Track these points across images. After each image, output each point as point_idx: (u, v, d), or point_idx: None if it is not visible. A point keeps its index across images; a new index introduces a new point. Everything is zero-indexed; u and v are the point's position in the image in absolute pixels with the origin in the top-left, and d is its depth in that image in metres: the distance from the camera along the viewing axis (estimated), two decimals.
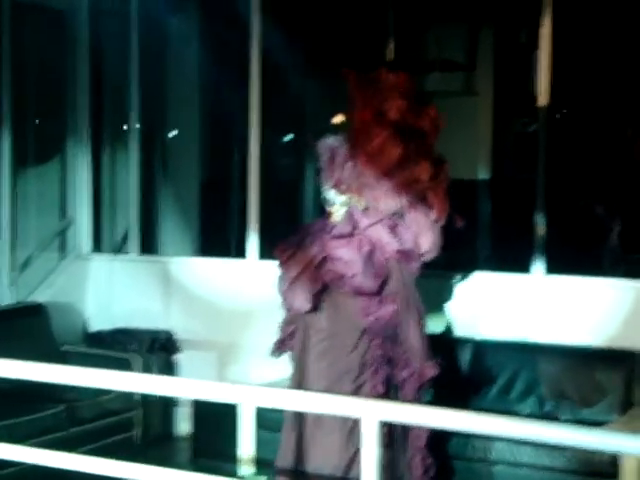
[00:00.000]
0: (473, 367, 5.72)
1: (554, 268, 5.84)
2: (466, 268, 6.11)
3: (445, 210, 4.72)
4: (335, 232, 4.64)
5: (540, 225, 5.89)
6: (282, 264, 4.77)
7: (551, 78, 5.87)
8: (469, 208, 8.06)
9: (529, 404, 5.50)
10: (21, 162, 7.16)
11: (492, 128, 8.21)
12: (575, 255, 6.28)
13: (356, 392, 4.49)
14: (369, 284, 4.48)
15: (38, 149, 7.46)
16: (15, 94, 6.88)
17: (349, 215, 4.63)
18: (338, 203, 4.69)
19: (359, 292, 4.52)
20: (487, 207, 8.17)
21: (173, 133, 8.08)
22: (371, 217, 4.60)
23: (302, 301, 4.61)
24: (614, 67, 7.17)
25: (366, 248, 4.53)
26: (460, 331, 5.88)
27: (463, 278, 6.00)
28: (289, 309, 4.74)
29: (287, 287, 4.69)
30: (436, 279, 5.99)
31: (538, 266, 5.85)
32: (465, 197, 8.12)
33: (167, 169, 7.97)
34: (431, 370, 4.60)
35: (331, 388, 4.47)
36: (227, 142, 7.98)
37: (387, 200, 4.62)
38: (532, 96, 6.12)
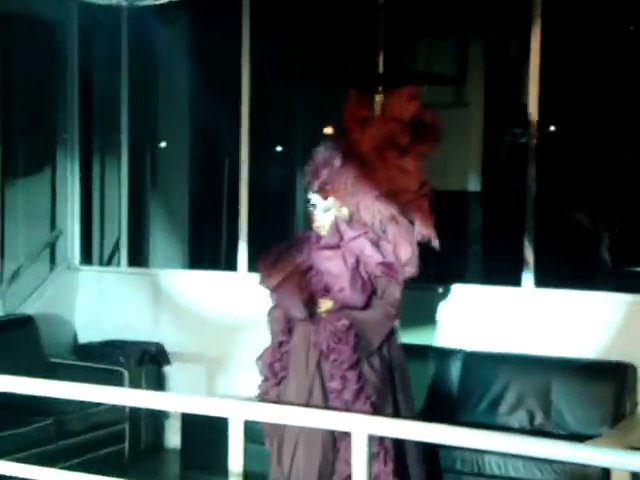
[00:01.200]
0: (463, 379, 5.72)
1: (544, 281, 5.85)
2: (456, 280, 6.12)
3: (430, 224, 4.69)
4: (322, 243, 4.62)
5: (530, 237, 5.89)
6: (262, 272, 4.75)
7: (541, 89, 5.88)
8: (459, 219, 8.08)
9: (519, 417, 5.50)
10: (10, 174, 7.15)
11: (483, 140, 8.24)
12: (565, 268, 6.29)
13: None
14: (356, 298, 4.47)
15: (27, 161, 7.45)
16: (4, 105, 6.87)
17: (335, 226, 4.61)
18: (321, 208, 4.67)
19: (345, 306, 4.50)
20: (477, 218, 8.19)
21: (163, 145, 8.08)
22: (355, 229, 4.59)
23: (297, 311, 4.60)
24: (603, 78, 7.20)
25: (352, 260, 4.52)
26: (450, 343, 5.87)
27: (453, 290, 6.00)
28: (287, 315, 4.70)
29: (273, 293, 4.68)
30: (426, 291, 6.00)
31: (528, 279, 5.86)
32: (455, 208, 8.16)
33: (157, 181, 7.97)
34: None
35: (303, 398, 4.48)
36: (217, 154, 7.99)
37: (370, 208, 4.61)
38: (523, 107, 6.14)
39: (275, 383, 4.70)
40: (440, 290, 6.00)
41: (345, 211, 4.65)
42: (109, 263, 7.58)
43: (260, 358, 4.79)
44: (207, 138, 7.93)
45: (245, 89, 6.69)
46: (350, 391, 4.41)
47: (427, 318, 5.97)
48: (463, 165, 8.25)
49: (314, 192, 4.69)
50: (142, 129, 7.64)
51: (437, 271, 6.35)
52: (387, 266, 4.52)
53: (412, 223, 4.67)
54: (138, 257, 7.53)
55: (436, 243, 4.70)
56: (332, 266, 4.51)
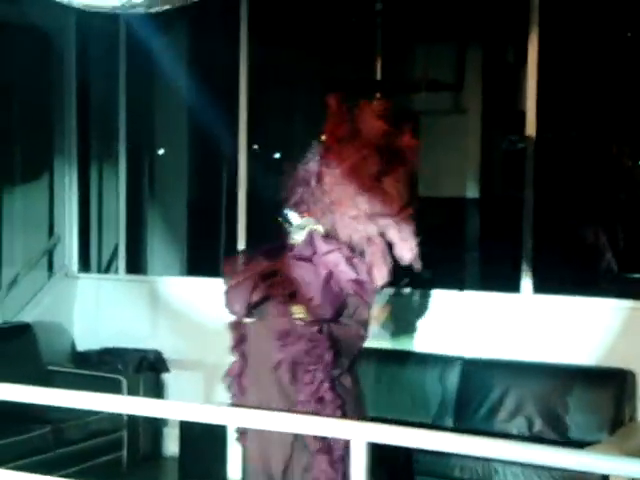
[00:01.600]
0: (461, 386, 5.71)
1: (542, 287, 5.84)
2: (454, 287, 6.11)
3: (411, 249, 4.52)
4: (296, 253, 4.50)
5: (528, 244, 5.89)
6: (226, 274, 4.63)
7: (539, 96, 5.89)
8: (457, 226, 8.08)
9: (518, 424, 5.49)
10: (8, 181, 7.15)
11: (480, 146, 8.24)
12: (564, 274, 6.28)
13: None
14: (326, 309, 4.34)
15: (25, 168, 7.45)
16: (1, 113, 6.87)
17: (309, 239, 4.49)
18: (296, 225, 4.59)
19: (313, 316, 4.36)
20: (475, 225, 8.18)
21: (161, 152, 8.08)
22: (330, 244, 4.47)
23: (238, 307, 4.47)
24: (601, 84, 7.21)
25: (324, 272, 4.39)
26: (448, 351, 5.87)
27: (451, 297, 5.99)
28: (230, 313, 4.61)
29: (227, 290, 4.54)
30: (424, 298, 6.00)
31: (526, 285, 5.85)
32: (453, 215, 8.16)
33: (155, 188, 7.96)
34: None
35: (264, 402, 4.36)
36: (215, 161, 7.98)
37: (347, 227, 4.49)
38: (520, 114, 6.14)
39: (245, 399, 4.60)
40: (438, 297, 5.99)
41: (321, 229, 4.55)
42: (107, 270, 7.57)
43: (227, 374, 4.71)
44: (205, 145, 7.93)
45: (243, 95, 6.70)
46: (330, 409, 4.26)
47: (425, 325, 5.96)
48: (461, 172, 8.24)
49: (290, 209, 4.60)
50: (140, 136, 7.64)
51: (435, 277, 6.35)
52: (359, 284, 4.40)
53: (391, 245, 4.57)
54: (136, 264, 7.52)
55: (417, 266, 4.55)
56: (304, 274, 4.39)
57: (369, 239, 4.49)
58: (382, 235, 4.52)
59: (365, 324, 4.44)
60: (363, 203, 4.48)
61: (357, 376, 4.46)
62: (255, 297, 4.41)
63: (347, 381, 4.39)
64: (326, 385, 4.28)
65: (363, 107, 4.71)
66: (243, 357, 4.56)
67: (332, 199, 4.51)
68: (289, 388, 4.33)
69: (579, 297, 5.74)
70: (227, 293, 4.57)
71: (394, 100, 5.00)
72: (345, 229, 4.50)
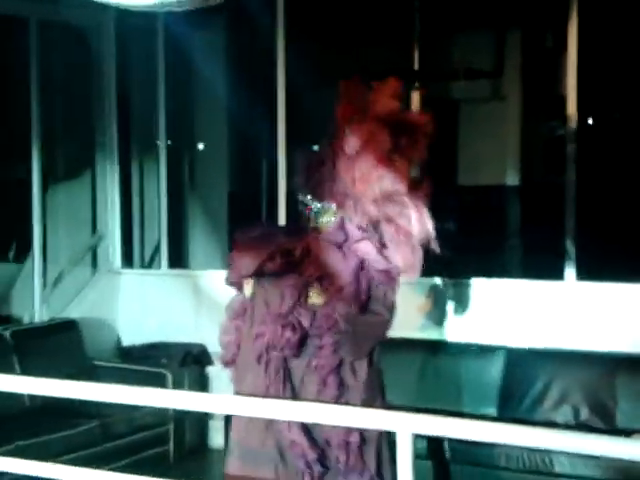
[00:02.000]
0: (506, 376, 5.68)
1: (586, 274, 5.79)
2: (496, 275, 6.07)
3: (427, 227, 4.32)
4: (325, 238, 4.36)
5: (570, 230, 5.84)
6: (236, 247, 4.47)
7: (579, 81, 5.83)
8: (498, 214, 8.03)
9: (563, 413, 5.45)
10: (51, 179, 7.22)
11: (521, 133, 8.18)
12: (610, 260, 6.21)
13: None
14: (353, 302, 4.22)
15: (68, 166, 7.53)
16: (43, 112, 6.94)
17: (341, 225, 4.35)
18: (317, 210, 4.40)
19: (339, 309, 4.22)
20: (517, 212, 8.13)
21: (201, 147, 8.11)
22: (361, 232, 4.33)
23: (245, 271, 4.34)
24: None
25: (355, 261, 4.28)
26: (491, 340, 5.84)
27: (493, 285, 5.95)
28: (230, 273, 4.45)
29: (235, 252, 4.42)
30: (466, 287, 5.97)
31: (570, 272, 5.80)
32: (494, 203, 8.12)
33: (195, 183, 8.01)
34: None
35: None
36: (254, 155, 8.01)
37: (366, 210, 4.31)
38: (560, 99, 6.09)
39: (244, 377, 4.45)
40: (480, 286, 5.96)
41: (343, 213, 4.36)
42: (150, 266, 7.63)
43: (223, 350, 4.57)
44: (244, 139, 7.95)
45: (281, 89, 6.70)
46: (329, 397, 4.15)
47: (468, 315, 5.94)
48: (501, 159, 8.19)
49: (306, 194, 4.45)
50: (180, 132, 7.68)
51: (477, 266, 6.32)
52: (387, 273, 4.28)
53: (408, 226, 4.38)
54: (179, 259, 7.57)
55: (435, 246, 4.32)
56: (336, 262, 4.27)
57: (389, 221, 4.36)
58: (399, 216, 4.39)
59: (391, 308, 4.32)
60: (378, 182, 4.31)
61: (376, 363, 4.32)
62: (271, 266, 4.26)
63: (361, 367, 4.25)
64: (325, 370, 4.17)
65: (377, 88, 4.58)
66: (239, 331, 4.46)
67: (347, 181, 4.37)
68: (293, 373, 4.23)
69: (624, 284, 5.68)
70: (235, 254, 4.41)
71: (432, 88, 4.93)
72: (365, 212, 4.36)
